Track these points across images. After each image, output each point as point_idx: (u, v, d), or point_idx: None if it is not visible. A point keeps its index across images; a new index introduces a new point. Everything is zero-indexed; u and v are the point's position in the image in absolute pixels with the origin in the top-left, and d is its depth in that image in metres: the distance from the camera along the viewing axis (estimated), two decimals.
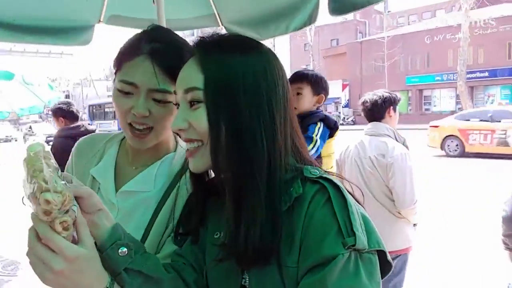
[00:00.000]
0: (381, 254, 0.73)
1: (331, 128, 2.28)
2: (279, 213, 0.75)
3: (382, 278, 0.72)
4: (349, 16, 42.76)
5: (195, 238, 0.92)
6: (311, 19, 2.21)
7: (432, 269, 4.40)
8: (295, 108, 2.23)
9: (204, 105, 0.77)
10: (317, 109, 2.35)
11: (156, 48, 0.96)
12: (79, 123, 3.99)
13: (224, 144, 0.75)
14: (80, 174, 1.12)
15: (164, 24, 2.10)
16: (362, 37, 40.47)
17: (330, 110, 39.84)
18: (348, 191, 0.77)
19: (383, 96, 2.64)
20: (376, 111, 2.65)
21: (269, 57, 0.81)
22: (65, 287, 0.69)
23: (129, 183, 1.05)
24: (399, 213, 2.54)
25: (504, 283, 2.31)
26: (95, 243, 0.75)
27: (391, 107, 2.66)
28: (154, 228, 1.00)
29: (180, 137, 0.96)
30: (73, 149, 1.19)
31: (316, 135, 2.18)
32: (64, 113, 4.03)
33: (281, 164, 0.78)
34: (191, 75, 0.79)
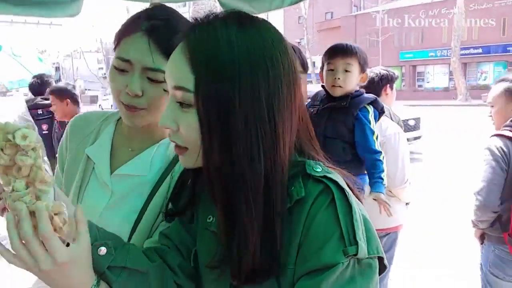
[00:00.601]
0: (378, 258, 0.71)
1: (378, 112, 2.08)
2: (277, 236, 0.70)
3: None
4: None
5: (184, 217, 0.90)
6: None
7: (423, 248, 4.48)
8: (340, 86, 1.93)
9: (194, 111, 0.69)
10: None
11: (154, 25, 0.93)
12: (33, 97, 3.97)
13: (217, 159, 0.69)
14: (73, 153, 1.10)
15: None
16: (357, 11, 39.97)
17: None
18: (349, 186, 0.74)
19: (380, 73, 2.61)
20: (372, 89, 2.60)
21: (273, 45, 0.71)
22: (47, 282, 0.70)
23: (125, 167, 1.03)
24: (390, 191, 2.55)
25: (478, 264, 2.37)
26: None
27: (388, 85, 2.64)
28: (147, 212, 0.98)
29: None
30: (67, 127, 1.17)
31: (374, 126, 1.97)
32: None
33: (283, 181, 0.71)
34: (181, 71, 0.71)
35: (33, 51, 6.92)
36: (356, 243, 0.66)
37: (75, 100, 3.67)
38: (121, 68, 0.95)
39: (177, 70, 0.71)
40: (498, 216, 2.14)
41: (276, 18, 42.51)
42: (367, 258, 0.67)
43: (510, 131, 2.16)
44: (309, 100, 2.15)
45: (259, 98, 0.68)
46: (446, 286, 3.64)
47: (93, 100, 27.54)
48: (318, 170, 0.73)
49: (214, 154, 0.69)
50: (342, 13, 38.92)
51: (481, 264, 2.30)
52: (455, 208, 5.59)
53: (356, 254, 0.66)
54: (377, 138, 1.96)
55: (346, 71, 1.96)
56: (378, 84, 2.61)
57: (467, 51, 29.49)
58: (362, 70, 2.04)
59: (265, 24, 0.74)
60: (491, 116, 2.38)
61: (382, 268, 0.72)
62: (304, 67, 1.72)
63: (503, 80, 2.35)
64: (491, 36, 28.89)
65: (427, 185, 6.71)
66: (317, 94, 2.16)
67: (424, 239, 4.63)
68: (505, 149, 2.12)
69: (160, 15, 0.95)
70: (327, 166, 0.76)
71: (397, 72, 2.75)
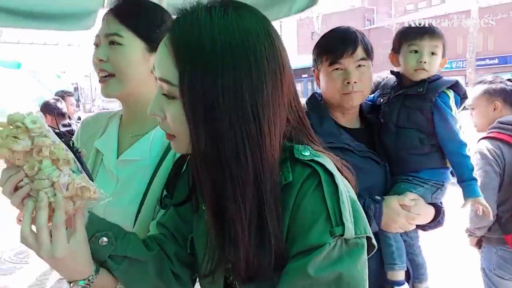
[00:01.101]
0: (366, 238, 0.71)
1: (460, 97, 1.77)
2: (271, 232, 0.69)
3: None
4: (357, 3, 42.29)
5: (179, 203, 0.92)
6: (313, 0, 2.22)
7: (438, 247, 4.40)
8: (425, 70, 1.62)
9: (179, 102, 0.70)
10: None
11: (117, 3, 1.11)
12: None
13: (205, 155, 0.69)
14: (83, 147, 1.16)
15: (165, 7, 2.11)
16: (370, 25, 40.05)
17: None
18: (340, 171, 0.75)
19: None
20: None
21: (257, 39, 0.69)
22: (49, 265, 0.78)
23: (126, 152, 1.10)
24: None
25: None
26: None
27: None
28: (150, 195, 1.03)
29: None
30: (79, 125, 1.28)
31: (456, 113, 1.66)
32: None
33: (273, 175, 0.71)
34: (165, 65, 0.71)
35: (51, 69, 7.14)
36: (343, 223, 0.67)
37: (57, 114, 3.99)
38: (95, 42, 1.11)
39: (162, 63, 0.72)
40: (497, 218, 2.10)
41: (289, 34, 42.93)
42: (354, 238, 0.68)
43: (498, 132, 2.11)
44: (377, 90, 1.87)
45: (242, 94, 0.67)
46: None
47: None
48: (306, 154, 0.73)
49: (201, 149, 0.69)
50: (356, 27, 38.86)
51: (483, 268, 2.25)
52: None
53: (342, 235, 0.66)
54: (460, 128, 1.64)
55: (433, 53, 1.68)
56: None
57: (483, 62, 29.17)
58: (443, 54, 1.76)
59: (252, 14, 0.72)
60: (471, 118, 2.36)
61: (371, 248, 0.72)
62: (368, 53, 1.55)
63: (481, 82, 2.33)
64: (506, 46, 28.56)
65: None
66: (386, 82, 1.87)
67: (438, 242, 4.55)
68: (497, 151, 2.08)
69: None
70: (316, 150, 0.76)
71: None
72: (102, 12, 2.42)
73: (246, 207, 0.69)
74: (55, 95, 4.59)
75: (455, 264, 4.17)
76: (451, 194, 1.72)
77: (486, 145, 2.12)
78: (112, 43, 1.07)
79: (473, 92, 2.34)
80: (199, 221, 0.86)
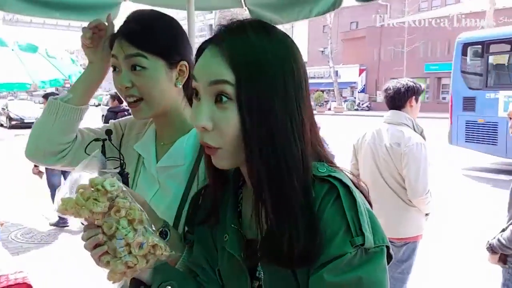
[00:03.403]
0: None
1: None
2: (315, 214, 0.74)
3: None
4: None
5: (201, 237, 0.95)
6: (335, 4, 2.21)
7: (445, 258, 4.43)
8: None
9: (234, 104, 0.74)
10: None
11: (126, 26, 1.08)
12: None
13: (260, 152, 0.73)
14: (126, 150, 1.23)
15: (192, 4, 2.13)
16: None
17: (345, 95, 39.50)
18: (355, 185, 0.78)
19: (406, 84, 2.63)
20: (397, 99, 2.64)
21: (295, 51, 0.79)
22: None
23: (162, 159, 1.14)
24: (411, 201, 2.56)
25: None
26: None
27: (414, 97, 2.66)
28: (188, 200, 1.05)
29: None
30: (128, 123, 1.31)
31: None
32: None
33: (310, 166, 0.76)
34: (219, 68, 0.74)
35: (66, 53, 7.16)
36: (363, 233, 0.70)
37: None
38: (113, 65, 1.10)
39: (213, 68, 0.75)
40: None
41: (301, 27, 42.57)
42: (374, 247, 0.71)
43: None
44: None
45: (290, 95, 0.74)
46: None
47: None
48: (323, 170, 0.77)
49: (257, 147, 0.73)
50: (368, 23, 38.65)
51: (507, 286, 2.19)
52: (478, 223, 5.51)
53: (363, 244, 0.69)
54: None
55: None
56: (404, 95, 2.63)
57: None
58: None
59: (284, 33, 0.81)
60: None
61: (389, 259, 0.75)
62: None
63: None
64: None
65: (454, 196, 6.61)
66: None
67: (442, 252, 4.57)
68: None
69: (133, 18, 1.10)
70: (331, 166, 0.80)
71: (423, 85, 2.76)
72: (124, 4, 2.45)
73: (298, 189, 0.73)
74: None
75: None
76: None
77: None
78: (133, 67, 1.05)
79: None
80: (223, 253, 0.89)
